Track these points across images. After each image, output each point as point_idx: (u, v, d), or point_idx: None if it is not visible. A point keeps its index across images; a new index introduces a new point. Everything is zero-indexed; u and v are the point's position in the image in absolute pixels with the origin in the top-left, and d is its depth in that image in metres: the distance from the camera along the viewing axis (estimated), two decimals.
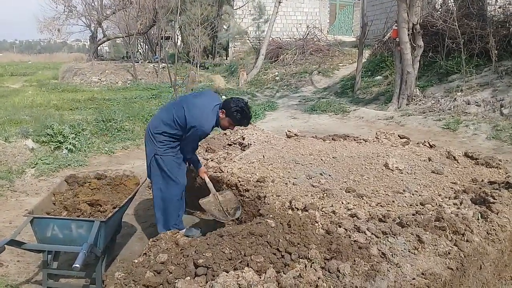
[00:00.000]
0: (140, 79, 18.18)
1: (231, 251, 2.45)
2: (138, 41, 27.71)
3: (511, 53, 10.09)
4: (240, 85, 16.83)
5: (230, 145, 5.59)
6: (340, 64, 17.28)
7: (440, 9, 12.43)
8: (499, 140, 7.39)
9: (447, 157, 4.50)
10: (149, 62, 22.01)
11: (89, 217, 3.18)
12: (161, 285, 2.31)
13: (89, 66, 19.65)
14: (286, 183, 3.85)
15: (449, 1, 12.23)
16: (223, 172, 4.31)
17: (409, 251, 2.49)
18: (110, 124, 8.71)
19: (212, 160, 4.76)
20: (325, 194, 3.51)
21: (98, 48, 27.73)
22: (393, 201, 3.37)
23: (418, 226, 2.72)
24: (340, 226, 2.79)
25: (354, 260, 2.38)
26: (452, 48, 10.65)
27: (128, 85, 17.47)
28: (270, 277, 2.23)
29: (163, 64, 18.42)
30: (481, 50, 10.20)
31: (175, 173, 3.63)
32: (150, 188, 3.83)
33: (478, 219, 2.90)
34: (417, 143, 5.17)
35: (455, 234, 2.67)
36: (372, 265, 2.34)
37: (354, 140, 5.41)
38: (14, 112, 9.83)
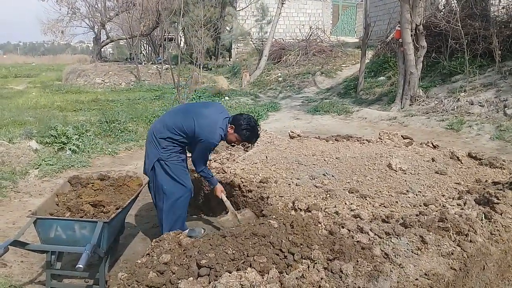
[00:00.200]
0: (144, 80, 18.23)
1: (234, 251, 2.45)
2: (142, 42, 27.81)
3: None
4: (243, 86, 16.85)
5: (233, 145, 5.59)
6: (343, 65, 17.27)
7: (443, 10, 12.41)
8: (502, 140, 7.37)
9: (450, 158, 4.49)
10: (152, 63, 22.07)
11: (92, 218, 3.18)
12: (164, 286, 2.31)
13: (92, 68, 19.72)
14: (289, 184, 3.85)
15: (452, 2, 12.21)
16: (226, 172, 4.31)
17: (412, 252, 2.48)
18: (114, 125, 8.73)
19: (215, 161, 4.76)
20: (328, 195, 3.50)
21: (102, 49, 27.80)
22: (397, 202, 3.36)
23: (422, 227, 2.72)
24: (343, 227, 2.79)
25: (357, 261, 2.38)
26: (455, 48, 10.64)
27: (132, 87, 17.51)
28: (273, 278, 2.22)
29: (166, 65, 18.46)
30: (485, 51, 10.18)
31: (182, 177, 3.62)
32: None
33: (481, 219, 2.89)
34: (421, 144, 5.16)
35: (459, 234, 2.66)
36: (375, 265, 2.33)
37: (357, 140, 5.41)
38: (18, 113, 9.88)
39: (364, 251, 2.46)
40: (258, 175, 4.14)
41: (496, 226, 2.82)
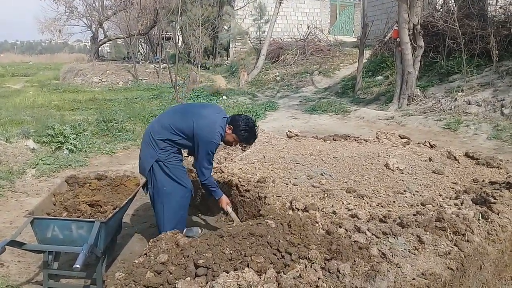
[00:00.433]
0: (141, 79, 18.20)
1: (231, 251, 2.45)
2: (139, 41, 27.73)
3: None
4: (241, 86, 16.84)
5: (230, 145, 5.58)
6: (341, 64, 17.27)
7: (441, 10, 12.43)
8: (499, 140, 7.39)
9: (447, 157, 4.50)
10: (150, 62, 22.04)
11: (89, 218, 3.18)
12: (162, 286, 2.31)
13: (90, 67, 19.68)
14: (286, 184, 3.85)
15: (450, 2, 12.23)
16: (223, 172, 4.31)
17: (409, 252, 2.49)
18: (111, 124, 8.71)
19: (212, 160, 4.75)
20: (325, 195, 3.51)
21: (99, 48, 27.76)
22: (394, 202, 3.37)
23: (419, 227, 2.72)
24: (340, 227, 2.79)
25: (354, 261, 2.38)
26: (453, 48, 10.65)
27: (129, 86, 17.48)
28: (270, 278, 2.23)
29: (164, 64, 18.43)
30: (482, 50, 10.20)
31: (181, 178, 3.60)
32: (143, 189, 3.72)
33: (478, 219, 2.90)
34: (418, 143, 5.17)
35: (456, 234, 2.66)
36: (372, 265, 2.33)
37: (355, 140, 5.41)
38: (15, 112, 9.85)
39: (361, 251, 2.47)
40: (256, 174, 4.14)
41: (493, 226, 2.83)
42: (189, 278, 2.29)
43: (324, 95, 14.10)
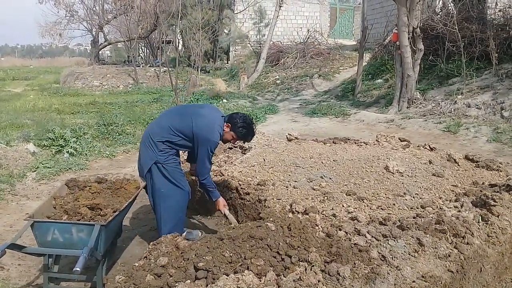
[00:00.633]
0: (142, 83, 18.21)
1: (231, 254, 2.45)
2: (139, 45, 27.76)
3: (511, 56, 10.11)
4: (241, 89, 16.86)
5: (230, 148, 5.59)
6: (341, 68, 17.29)
7: (440, 13, 12.45)
8: (499, 142, 7.39)
9: (447, 160, 4.50)
10: (150, 66, 22.07)
11: (89, 221, 3.18)
12: None
13: (90, 70, 19.70)
14: (286, 186, 3.86)
15: (449, 5, 12.26)
16: (223, 175, 4.31)
17: (409, 254, 2.49)
18: (112, 128, 8.72)
19: (212, 163, 4.76)
20: (325, 197, 3.51)
21: (100, 52, 27.77)
22: (394, 204, 3.37)
23: (419, 229, 2.73)
24: (340, 229, 2.80)
25: (354, 263, 2.38)
26: (452, 51, 10.66)
27: (130, 89, 17.50)
28: (270, 280, 2.23)
29: (164, 68, 18.46)
30: (482, 53, 10.22)
31: (179, 180, 3.60)
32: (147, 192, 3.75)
33: (478, 221, 2.90)
34: (418, 146, 5.17)
35: (456, 236, 2.67)
36: (372, 268, 2.34)
37: (355, 143, 5.42)
38: (16, 116, 9.87)
39: (361, 254, 2.47)
40: (256, 177, 4.15)
41: (493, 228, 2.83)
42: (189, 281, 2.29)
43: (324, 98, 14.11)
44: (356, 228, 2.77)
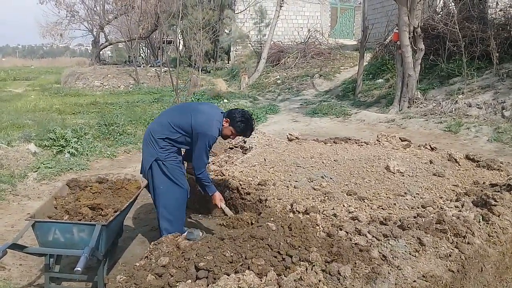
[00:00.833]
0: (142, 83, 18.23)
1: (232, 254, 2.45)
2: (140, 45, 27.80)
3: None
4: (242, 89, 16.86)
5: (231, 148, 5.60)
6: (342, 68, 17.29)
7: (441, 12, 12.44)
8: (500, 142, 7.38)
9: (448, 160, 4.50)
10: (151, 66, 22.09)
11: (90, 221, 3.18)
12: None
13: (91, 71, 19.72)
14: (287, 186, 3.86)
15: (450, 4, 12.25)
16: (224, 175, 4.32)
17: (410, 254, 2.49)
18: (112, 128, 8.73)
19: (213, 164, 4.77)
20: (326, 197, 3.51)
21: (101, 52, 27.79)
22: (395, 204, 3.37)
23: (419, 229, 2.73)
24: (341, 229, 2.80)
25: (355, 263, 2.38)
26: (453, 51, 10.66)
27: (130, 89, 17.51)
28: (271, 280, 2.23)
29: (165, 68, 18.47)
30: (482, 53, 10.21)
31: (179, 178, 3.62)
32: (149, 191, 3.77)
33: (479, 221, 2.90)
34: (419, 146, 5.17)
35: (456, 236, 2.67)
36: (373, 267, 2.34)
37: (356, 143, 5.42)
38: (17, 116, 9.88)
39: (362, 253, 2.47)
40: (257, 177, 4.15)
41: (494, 228, 2.83)
42: (190, 281, 2.29)
43: (324, 98, 14.10)
44: (357, 228, 2.78)
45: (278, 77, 17.62)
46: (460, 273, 2.46)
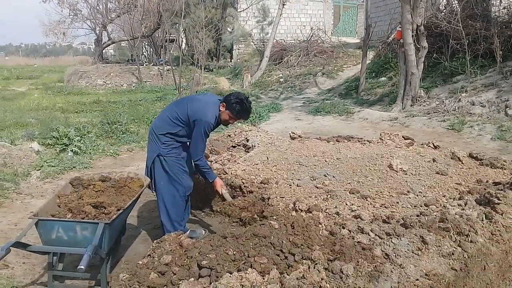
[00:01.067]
0: (145, 81, 18.25)
1: (234, 252, 2.45)
2: (143, 44, 27.81)
3: None
4: (245, 87, 16.86)
5: (234, 147, 5.60)
6: (344, 66, 17.26)
7: (444, 10, 12.40)
8: (504, 140, 7.36)
9: (451, 158, 4.49)
10: (153, 64, 22.09)
11: (93, 219, 3.19)
12: (165, 286, 2.32)
13: (94, 69, 19.76)
14: (290, 185, 3.86)
15: (453, 2, 12.20)
16: (227, 173, 4.32)
17: (412, 252, 2.49)
18: (115, 126, 8.75)
19: (216, 162, 4.77)
20: (329, 196, 3.51)
21: (103, 51, 27.87)
22: (397, 202, 3.36)
23: (422, 227, 2.72)
24: (343, 227, 2.80)
25: (358, 261, 2.38)
26: (456, 49, 10.62)
27: (133, 88, 17.54)
28: (273, 278, 2.23)
29: (168, 66, 18.49)
30: (486, 51, 10.16)
31: (178, 174, 3.65)
32: (150, 188, 3.80)
33: (482, 220, 2.89)
34: (422, 144, 5.16)
35: (459, 235, 2.66)
36: (375, 266, 2.33)
37: (358, 141, 5.41)
38: (20, 115, 9.91)
39: (365, 252, 2.47)
40: (259, 176, 4.15)
41: (497, 227, 2.82)
42: (192, 279, 2.30)
43: (327, 97, 14.09)
44: (360, 226, 2.77)
45: (280, 75, 17.60)
46: (463, 271, 2.45)
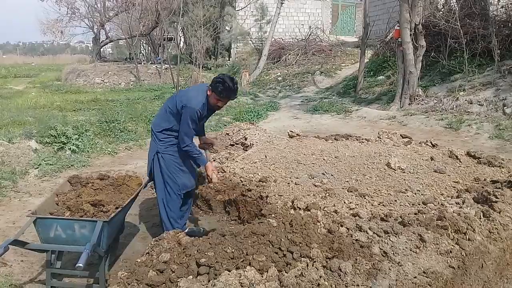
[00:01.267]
0: (143, 80, 18.22)
1: (233, 250, 2.46)
2: (141, 42, 27.75)
3: None
4: (243, 86, 16.82)
5: (232, 145, 5.61)
6: (343, 64, 17.27)
7: (442, 9, 12.42)
8: (501, 139, 7.38)
9: (449, 157, 4.50)
10: (151, 63, 22.05)
11: (92, 217, 3.19)
12: (164, 284, 2.32)
13: (92, 68, 19.71)
14: (288, 183, 3.86)
15: (451, 1, 12.22)
16: (225, 172, 4.32)
17: (410, 250, 2.49)
18: (113, 125, 8.73)
19: (214, 160, 4.77)
20: (327, 194, 3.51)
21: (101, 49, 27.76)
22: (395, 201, 3.37)
23: (420, 225, 2.73)
24: (342, 225, 2.80)
25: (356, 259, 2.39)
26: (454, 47, 10.63)
27: (131, 86, 17.51)
28: (272, 276, 2.24)
29: (166, 65, 18.46)
30: (484, 50, 10.19)
31: (173, 172, 3.65)
32: (152, 188, 3.85)
33: (480, 218, 2.90)
34: (420, 143, 5.17)
35: (457, 233, 2.67)
36: (373, 263, 2.34)
37: (356, 140, 5.42)
38: (18, 113, 9.88)
39: (363, 250, 2.48)
40: (258, 174, 4.15)
41: (495, 225, 2.84)
42: (191, 277, 2.30)
43: (325, 95, 14.09)
44: (358, 224, 2.78)
45: (279, 74, 17.60)
46: (461, 269, 2.46)
